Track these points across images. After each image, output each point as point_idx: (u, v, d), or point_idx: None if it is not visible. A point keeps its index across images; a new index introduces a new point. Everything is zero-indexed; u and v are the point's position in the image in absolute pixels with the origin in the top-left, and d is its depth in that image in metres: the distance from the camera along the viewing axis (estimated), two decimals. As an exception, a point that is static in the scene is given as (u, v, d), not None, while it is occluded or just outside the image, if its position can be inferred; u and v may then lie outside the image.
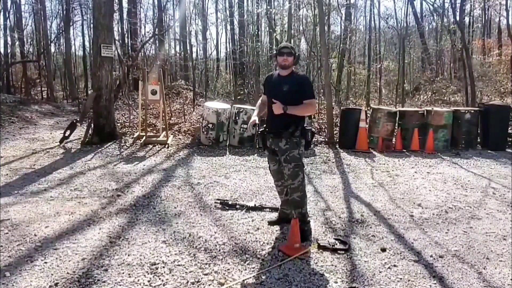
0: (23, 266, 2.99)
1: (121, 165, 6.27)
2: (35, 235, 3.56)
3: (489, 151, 7.79)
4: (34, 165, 6.18)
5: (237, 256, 3.22)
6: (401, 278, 2.92)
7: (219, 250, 3.31)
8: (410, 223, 4.01)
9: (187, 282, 2.81)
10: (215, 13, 28.94)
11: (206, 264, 3.08)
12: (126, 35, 18.35)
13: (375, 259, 3.22)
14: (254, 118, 3.57)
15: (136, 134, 8.39)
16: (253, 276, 2.91)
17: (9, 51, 17.58)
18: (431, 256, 3.28)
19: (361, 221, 4.03)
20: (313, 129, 4.23)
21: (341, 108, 9.89)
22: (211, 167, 6.25)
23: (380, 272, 3.01)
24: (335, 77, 14.72)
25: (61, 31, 19.70)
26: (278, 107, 3.29)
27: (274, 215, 4.01)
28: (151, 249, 3.30)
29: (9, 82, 16.46)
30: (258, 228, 3.78)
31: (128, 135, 8.60)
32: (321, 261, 3.16)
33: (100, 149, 7.37)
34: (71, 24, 19.44)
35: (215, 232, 3.68)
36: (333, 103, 10.03)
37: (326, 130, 8.74)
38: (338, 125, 8.67)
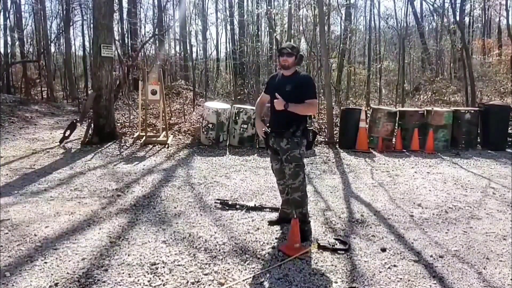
0: (23, 266, 2.99)
1: (121, 165, 6.28)
2: (35, 235, 3.56)
3: (489, 151, 7.80)
4: (34, 165, 6.18)
5: (237, 256, 3.22)
6: (401, 278, 2.92)
7: (219, 250, 3.31)
8: (410, 223, 4.01)
9: (187, 282, 2.81)
10: (215, 13, 28.93)
11: (206, 264, 3.08)
12: (126, 35, 18.38)
13: (375, 259, 3.22)
14: (260, 123, 3.64)
15: (136, 134, 8.39)
16: (253, 276, 2.91)
17: (9, 51, 17.57)
18: (431, 256, 3.28)
19: (361, 221, 4.03)
20: (315, 130, 4.24)
21: (341, 108, 9.90)
22: (211, 167, 6.25)
23: (380, 272, 3.01)
24: (335, 77, 14.73)
25: (61, 31, 19.71)
26: (279, 103, 3.33)
27: (274, 215, 4.02)
28: (151, 249, 3.30)
29: (9, 82, 16.44)
30: (258, 228, 3.78)
31: (128, 135, 8.60)
32: (321, 261, 3.16)
33: (100, 149, 7.37)
34: (71, 24, 19.44)
35: (215, 232, 3.68)
36: (333, 103, 10.04)
37: (326, 130, 8.74)
38: (338, 125, 8.67)
